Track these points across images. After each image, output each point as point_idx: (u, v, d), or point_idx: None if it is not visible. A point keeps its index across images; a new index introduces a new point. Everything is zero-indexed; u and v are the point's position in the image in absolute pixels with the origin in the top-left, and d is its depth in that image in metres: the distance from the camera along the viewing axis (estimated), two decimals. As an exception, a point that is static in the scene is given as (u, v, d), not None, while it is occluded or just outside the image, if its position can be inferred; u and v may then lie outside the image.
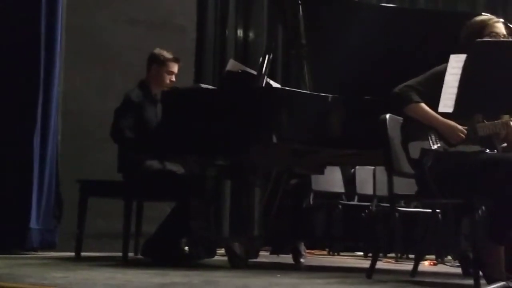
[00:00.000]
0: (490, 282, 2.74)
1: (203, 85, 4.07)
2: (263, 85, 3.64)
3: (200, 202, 3.98)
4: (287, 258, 4.53)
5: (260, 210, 5.36)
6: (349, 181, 6.27)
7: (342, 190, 6.21)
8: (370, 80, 3.74)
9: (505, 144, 3.06)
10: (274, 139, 3.58)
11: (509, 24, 3.53)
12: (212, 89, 3.86)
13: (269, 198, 4.99)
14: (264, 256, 4.78)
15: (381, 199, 5.77)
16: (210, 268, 3.72)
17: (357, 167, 6.09)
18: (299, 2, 4.07)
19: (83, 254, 4.06)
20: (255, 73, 3.82)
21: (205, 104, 3.68)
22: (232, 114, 3.60)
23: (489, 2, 7.38)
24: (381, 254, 5.78)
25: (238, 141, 3.55)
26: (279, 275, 3.31)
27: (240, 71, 3.83)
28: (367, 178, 5.92)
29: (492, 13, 3.52)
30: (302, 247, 4.46)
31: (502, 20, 3.13)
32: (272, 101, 3.61)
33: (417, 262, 3.70)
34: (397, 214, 5.41)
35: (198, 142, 3.65)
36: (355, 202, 6.11)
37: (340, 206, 5.97)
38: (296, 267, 4.23)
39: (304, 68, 4.27)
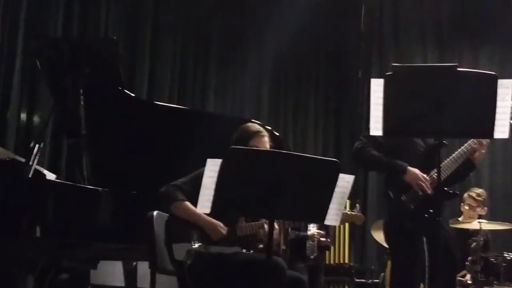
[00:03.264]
0: None
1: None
2: (30, 175, 3.50)
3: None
4: None
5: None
6: (131, 274, 6.14)
7: (122, 284, 6.05)
8: (142, 176, 3.79)
9: (261, 246, 3.23)
10: (38, 232, 3.45)
11: (276, 133, 3.83)
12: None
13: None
14: None
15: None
16: None
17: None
18: (81, 91, 4.04)
19: None
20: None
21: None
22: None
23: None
24: None
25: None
26: None
27: (8, 158, 3.65)
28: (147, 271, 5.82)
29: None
30: None
31: (268, 132, 3.38)
32: (38, 193, 3.48)
33: None
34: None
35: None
36: (133, 297, 5.96)
37: (116, 301, 5.78)
38: None
39: (83, 159, 4.21)
